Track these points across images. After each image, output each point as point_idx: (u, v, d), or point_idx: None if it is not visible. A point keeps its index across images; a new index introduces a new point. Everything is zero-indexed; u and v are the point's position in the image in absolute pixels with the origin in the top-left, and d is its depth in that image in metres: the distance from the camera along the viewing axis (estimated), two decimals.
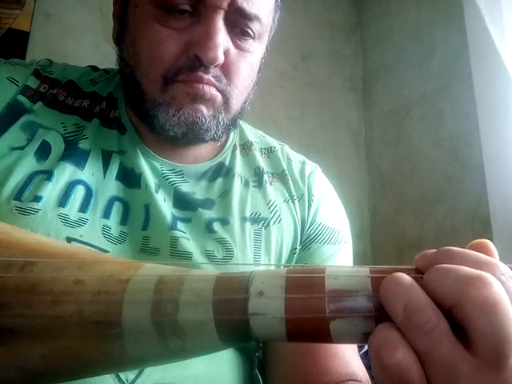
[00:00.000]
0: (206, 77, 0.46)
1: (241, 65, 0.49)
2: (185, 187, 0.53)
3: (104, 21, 1.42)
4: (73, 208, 0.46)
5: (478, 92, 1.39)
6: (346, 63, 1.92)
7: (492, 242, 0.25)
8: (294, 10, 1.80)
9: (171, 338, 0.25)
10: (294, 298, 0.24)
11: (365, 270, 0.25)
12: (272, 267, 0.53)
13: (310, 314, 0.24)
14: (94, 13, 1.47)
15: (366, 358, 1.04)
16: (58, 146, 0.50)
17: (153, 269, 0.28)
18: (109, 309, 0.26)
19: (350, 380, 0.48)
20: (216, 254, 0.49)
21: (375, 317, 0.23)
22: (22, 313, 0.27)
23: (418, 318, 0.21)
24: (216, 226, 0.51)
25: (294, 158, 0.62)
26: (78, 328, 0.26)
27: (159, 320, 0.25)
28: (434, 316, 0.22)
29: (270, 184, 0.57)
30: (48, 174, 0.47)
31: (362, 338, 0.24)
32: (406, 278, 0.23)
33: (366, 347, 1.14)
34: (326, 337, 0.24)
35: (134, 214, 0.49)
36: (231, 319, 0.25)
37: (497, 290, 0.21)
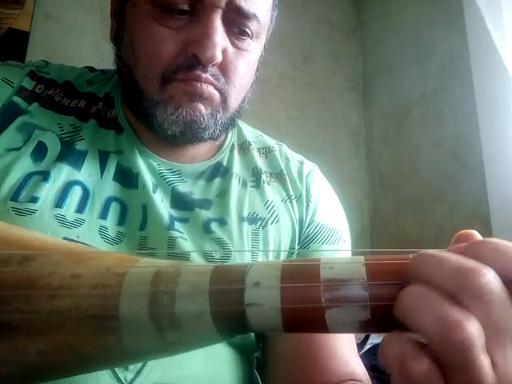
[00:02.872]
0: (204, 75, 0.46)
1: (239, 64, 0.49)
2: (182, 187, 0.52)
3: (104, 21, 1.42)
4: (70, 209, 0.46)
5: (477, 92, 1.39)
6: (346, 63, 1.92)
7: None
8: (293, 10, 1.80)
9: (168, 330, 0.25)
10: (290, 287, 0.24)
11: (360, 259, 0.25)
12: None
13: (306, 304, 0.24)
14: (94, 13, 1.47)
15: (365, 358, 1.04)
16: (54, 146, 0.50)
17: (149, 262, 0.28)
18: (106, 302, 0.26)
19: (350, 380, 0.48)
20: (213, 255, 0.49)
21: (370, 305, 0.23)
22: (19, 308, 0.27)
23: (457, 334, 0.20)
24: (214, 226, 0.51)
25: (292, 158, 0.61)
26: (75, 322, 0.26)
27: (156, 312, 0.25)
28: (474, 331, 0.20)
29: (268, 184, 0.57)
30: (44, 175, 0.47)
31: (358, 327, 0.24)
32: (431, 291, 0.21)
33: (366, 347, 1.13)
34: (322, 326, 0.24)
35: (132, 214, 0.49)
36: (227, 310, 0.25)
37: (491, 279, 0.21)
